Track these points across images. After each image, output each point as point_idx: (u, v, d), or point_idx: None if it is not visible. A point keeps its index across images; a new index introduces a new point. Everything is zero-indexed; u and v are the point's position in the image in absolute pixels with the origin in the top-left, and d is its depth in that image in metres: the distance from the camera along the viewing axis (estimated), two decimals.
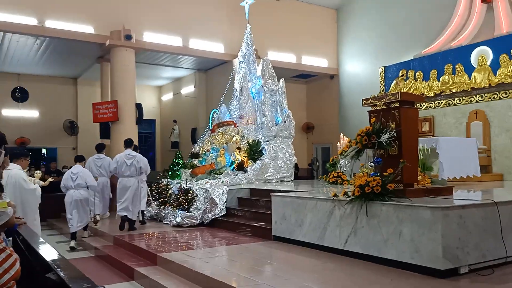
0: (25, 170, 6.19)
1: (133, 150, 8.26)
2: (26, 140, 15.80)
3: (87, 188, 7.90)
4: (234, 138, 10.62)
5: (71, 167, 8.50)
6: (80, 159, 8.37)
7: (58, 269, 2.81)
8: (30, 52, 13.42)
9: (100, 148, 9.69)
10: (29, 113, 16.25)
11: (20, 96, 15.97)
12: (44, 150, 16.93)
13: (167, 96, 18.68)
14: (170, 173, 10.60)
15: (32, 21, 11.17)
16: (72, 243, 7.78)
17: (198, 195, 8.06)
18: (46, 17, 11.33)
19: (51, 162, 14.11)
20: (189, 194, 8.08)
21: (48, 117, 16.45)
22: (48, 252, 3.51)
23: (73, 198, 7.63)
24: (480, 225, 4.28)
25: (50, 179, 7.18)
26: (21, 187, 5.43)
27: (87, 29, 11.91)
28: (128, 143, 8.17)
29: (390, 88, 11.91)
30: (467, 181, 8.01)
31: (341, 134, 9.23)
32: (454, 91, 10.79)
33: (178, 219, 7.90)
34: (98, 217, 9.11)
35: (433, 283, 3.90)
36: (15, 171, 5.47)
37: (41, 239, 4.06)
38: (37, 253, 3.52)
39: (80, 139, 16.68)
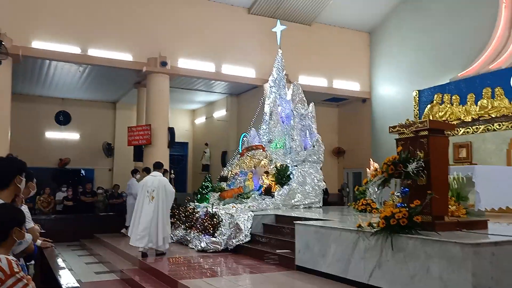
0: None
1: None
2: (67, 161, 16.49)
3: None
4: (262, 162, 10.59)
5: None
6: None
7: None
8: (73, 78, 14.14)
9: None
10: (71, 135, 17.01)
11: (63, 119, 16.77)
12: (82, 171, 17.57)
13: (200, 120, 19.03)
14: (199, 196, 10.67)
15: (76, 50, 11.81)
16: None
17: (224, 220, 8.03)
18: (89, 46, 11.95)
19: (86, 183, 14.54)
20: (215, 219, 8.06)
21: (87, 139, 17.13)
22: (66, 277, 3.62)
23: None
24: None
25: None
26: (167, 189, 7.43)
27: (126, 56, 12.44)
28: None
29: (424, 113, 11.55)
30: (508, 212, 7.54)
31: (371, 159, 8.98)
32: (493, 116, 10.30)
33: (203, 244, 7.88)
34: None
35: None
36: (161, 177, 7.59)
37: (62, 264, 4.18)
38: (55, 279, 3.64)
39: (116, 161, 17.21)
